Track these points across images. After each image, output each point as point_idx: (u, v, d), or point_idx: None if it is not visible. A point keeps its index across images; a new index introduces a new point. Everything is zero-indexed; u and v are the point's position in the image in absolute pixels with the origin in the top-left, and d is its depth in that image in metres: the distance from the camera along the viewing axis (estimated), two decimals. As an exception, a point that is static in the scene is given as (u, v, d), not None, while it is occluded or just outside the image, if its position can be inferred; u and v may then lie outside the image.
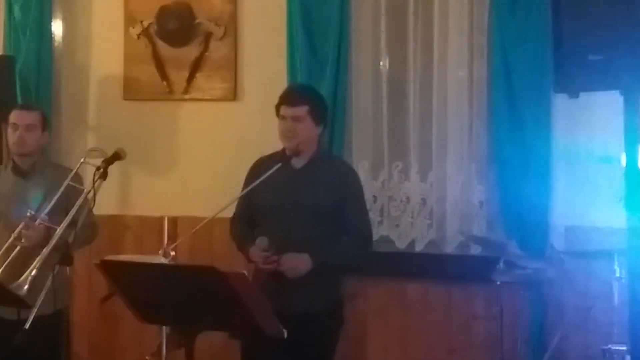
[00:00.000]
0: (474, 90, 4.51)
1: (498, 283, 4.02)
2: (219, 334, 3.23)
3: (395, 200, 4.62)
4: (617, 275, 3.89)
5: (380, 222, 4.58)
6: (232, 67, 4.79)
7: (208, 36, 4.82)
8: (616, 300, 3.87)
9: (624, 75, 2.79)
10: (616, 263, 3.89)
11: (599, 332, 4.11)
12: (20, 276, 3.49)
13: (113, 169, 3.64)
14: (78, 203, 3.54)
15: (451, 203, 4.51)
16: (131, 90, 4.92)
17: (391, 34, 4.62)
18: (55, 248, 3.49)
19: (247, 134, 4.71)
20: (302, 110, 3.69)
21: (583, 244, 4.21)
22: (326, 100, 3.97)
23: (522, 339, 4.27)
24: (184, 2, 4.84)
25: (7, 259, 3.68)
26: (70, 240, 3.40)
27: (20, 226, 3.71)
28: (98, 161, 3.64)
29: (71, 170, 3.91)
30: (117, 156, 3.69)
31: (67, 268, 3.68)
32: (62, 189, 3.76)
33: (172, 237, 4.50)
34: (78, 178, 3.90)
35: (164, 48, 4.88)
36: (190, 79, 4.84)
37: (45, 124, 4.07)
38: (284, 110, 3.72)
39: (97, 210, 3.55)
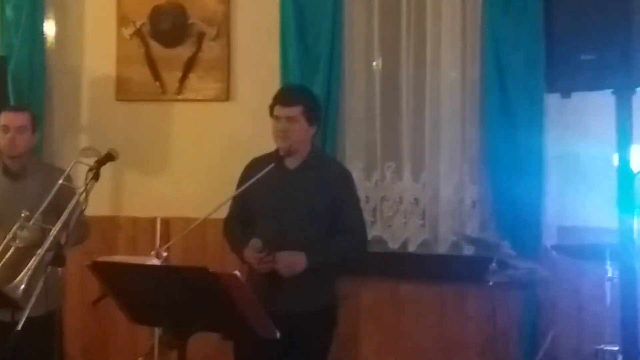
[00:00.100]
0: (467, 90, 4.51)
1: (491, 283, 4.02)
2: (212, 335, 3.22)
3: (388, 200, 4.62)
4: (609, 275, 3.90)
5: (373, 223, 4.59)
6: (225, 68, 4.79)
7: (201, 36, 4.82)
8: (608, 300, 3.88)
9: (616, 75, 2.79)
10: (608, 263, 3.90)
11: (591, 332, 4.12)
12: (12, 277, 3.48)
13: (105, 169, 3.63)
14: (71, 205, 3.53)
15: (444, 203, 4.52)
16: (124, 90, 4.91)
17: (384, 34, 4.62)
18: (47, 249, 3.48)
19: (240, 134, 4.71)
20: (297, 110, 3.69)
21: (576, 243, 4.21)
22: (320, 101, 3.97)
23: (515, 339, 4.28)
24: (177, 3, 4.83)
25: (1, 261, 3.66)
26: (63, 241, 3.39)
27: (15, 227, 3.70)
28: (91, 160, 3.63)
29: (62, 170, 3.90)
30: (109, 157, 3.68)
31: (59, 269, 3.66)
32: (55, 189, 3.75)
33: (165, 238, 4.50)
34: (68, 178, 3.88)
35: (156, 48, 4.87)
36: (183, 79, 4.84)
37: (35, 124, 4.06)
38: (278, 110, 3.72)
39: (89, 211, 3.54)
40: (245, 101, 4.77)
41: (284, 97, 3.77)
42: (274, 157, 3.70)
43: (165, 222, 4.69)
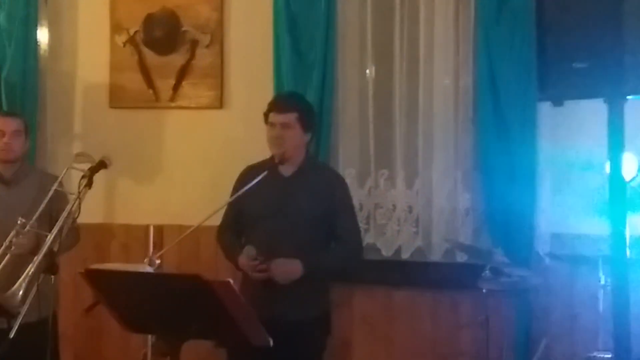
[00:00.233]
0: (460, 98, 4.52)
1: (484, 291, 4.02)
2: (205, 342, 3.21)
3: (381, 208, 4.62)
4: (602, 282, 3.91)
5: (367, 230, 4.58)
6: (219, 75, 4.79)
7: (194, 44, 4.82)
8: (601, 307, 3.89)
9: (608, 84, 2.81)
10: (601, 270, 3.91)
11: (584, 339, 4.12)
12: (6, 284, 3.47)
13: (98, 177, 3.63)
14: (65, 212, 3.52)
15: (437, 211, 4.52)
16: (117, 98, 4.91)
17: (377, 41, 4.63)
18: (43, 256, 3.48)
19: (233, 141, 4.71)
20: (291, 117, 3.69)
21: (568, 251, 4.22)
22: (314, 108, 3.98)
23: (508, 347, 4.28)
24: (170, 10, 4.83)
25: (-3, 268, 3.67)
26: (56, 248, 3.39)
27: (12, 234, 3.70)
28: (84, 166, 3.63)
29: (55, 176, 3.90)
30: (102, 165, 3.68)
31: (52, 276, 3.65)
32: (49, 195, 3.75)
33: (158, 246, 4.49)
34: (61, 184, 3.88)
35: (150, 56, 4.87)
36: (176, 86, 4.84)
37: (28, 130, 4.09)
38: (272, 117, 3.72)
39: (82, 219, 3.53)
40: (238, 109, 4.77)
41: (279, 103, 3.78)
42: (269, 165, 3.70)
43: (159, 229, 4.68)
